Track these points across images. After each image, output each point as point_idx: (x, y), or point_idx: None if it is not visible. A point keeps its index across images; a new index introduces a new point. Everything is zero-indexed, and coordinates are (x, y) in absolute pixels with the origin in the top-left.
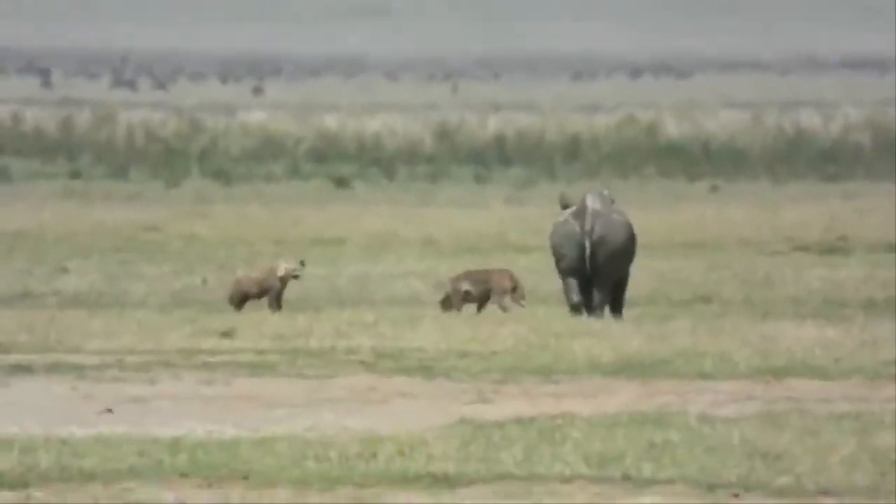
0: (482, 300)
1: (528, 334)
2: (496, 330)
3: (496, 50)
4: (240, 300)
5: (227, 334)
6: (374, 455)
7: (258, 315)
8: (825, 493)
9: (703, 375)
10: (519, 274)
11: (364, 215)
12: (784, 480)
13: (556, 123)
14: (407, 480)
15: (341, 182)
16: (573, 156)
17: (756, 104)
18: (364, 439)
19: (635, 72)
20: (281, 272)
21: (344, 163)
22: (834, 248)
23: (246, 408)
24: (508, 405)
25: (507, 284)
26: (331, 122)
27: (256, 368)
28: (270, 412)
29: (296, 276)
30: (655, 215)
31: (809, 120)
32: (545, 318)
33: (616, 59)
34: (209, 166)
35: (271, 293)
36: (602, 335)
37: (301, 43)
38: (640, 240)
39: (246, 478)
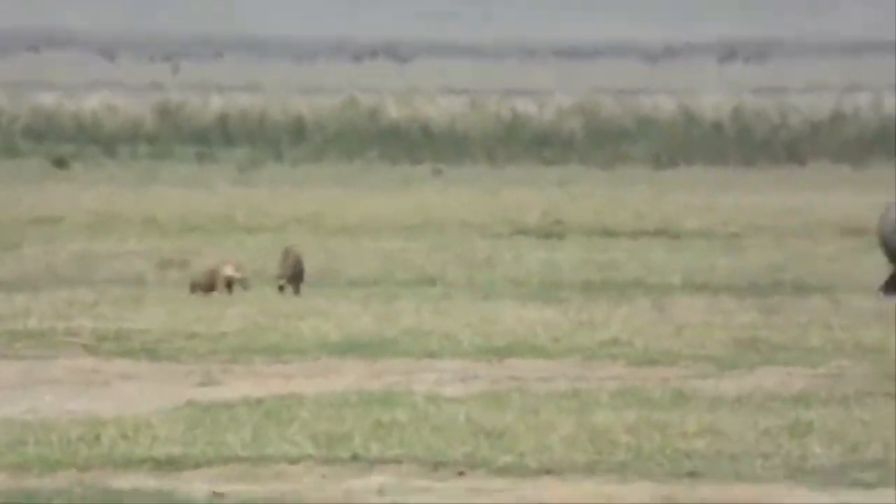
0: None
1: (257, 315)
2: (223, 311)
3: (217, 30)
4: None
5: None
6: (97, 438)
7: None
8: (546, 471)
9: (429, 355)
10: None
11: (83, 194)
12: (507, 458)
13: (279, 105)
14: (131, 464)
15: (59, 161)
16: (298, 137)
17: (474, 90)
18: (86, 422)
19: (357, 55)
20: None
21: (62, 142)
22: (551, 232)
23: None
24: (236, 386)
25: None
26: (47, 99)
27: None
28: None
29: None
30: (380, 198)
31: (525, 106)
32: (274, 298)
33: (337, 41)
34: None
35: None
36: (330, 315)
37: (11, 18)
38: (363, 223)
39: None
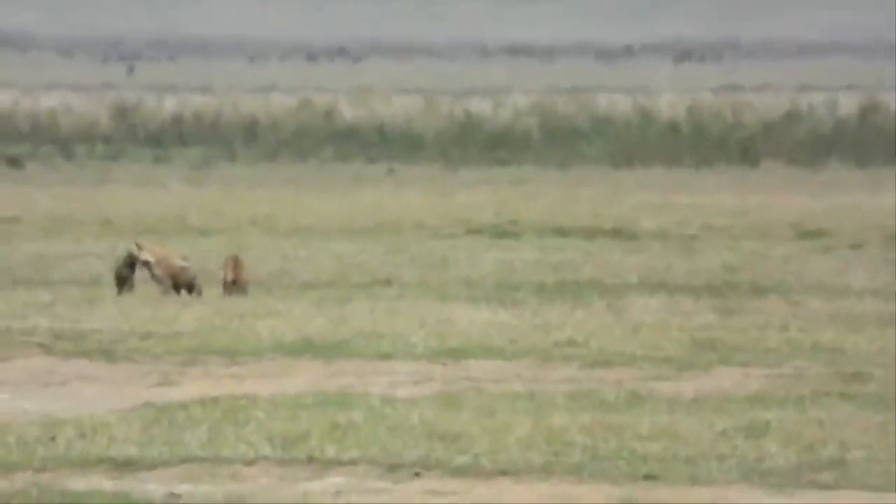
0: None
1: (212, 315)
2: (179, 311)
3: (171, 31)
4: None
5: None
6: (54, 439)
7: None
8: (502, 472)
9: (383, 356)
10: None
11: (39, 195)
12: (462, 460)
13: (232, 105)
14: (88, 464)
15: (14, 162)
16: (252, 137)
17: (428, 90)
18: (43, 423)
19: (311, 55)
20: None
21: (17, 142)
22: (505, 232)
23: None
24: (192, 387)
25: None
26: (3, 99)
27: None
28: None
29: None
30: (333, 198)
31: (479, 106)
32: (229, 300)
33: (292, 41)
34: None
35: None
36: (284, 316)
37: None
38: (317, 224)
39: None
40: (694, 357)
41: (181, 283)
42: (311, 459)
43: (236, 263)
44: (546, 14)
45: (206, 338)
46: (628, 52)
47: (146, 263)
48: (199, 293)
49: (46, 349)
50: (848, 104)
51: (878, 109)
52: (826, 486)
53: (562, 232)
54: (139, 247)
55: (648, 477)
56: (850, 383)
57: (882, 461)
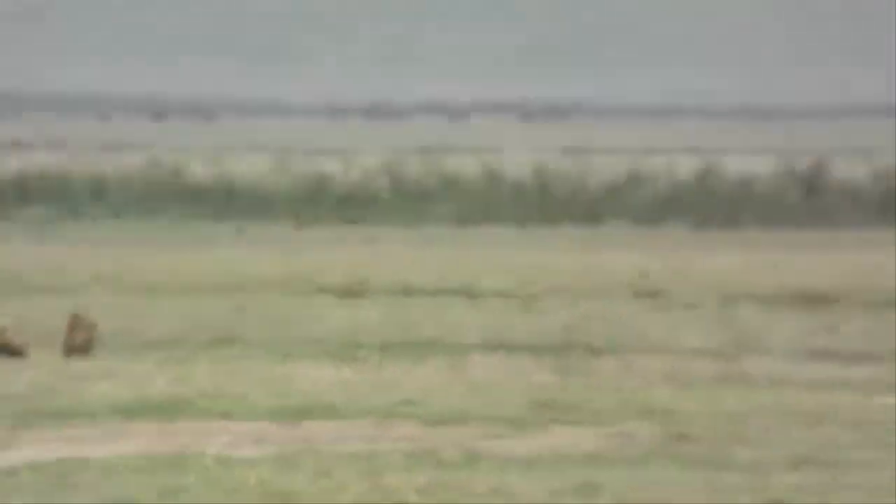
0: None
1: (47, 377)
2: (10, 374)
3: (20, 87)
4: None
5: None
6: None
7: None
8: None
9: (223, 416)
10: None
11: None
12: None
13: (81, 163)
14: None
15: None
16: (99, 195)
17: (279, 149)
18: None
19: (161, 112)
20: None
21: None
22: (352, 291)
23: None
24: (21, 451)
25: None
26: None
27: None
28: None
29: None
30: (181, 256)
31: (331, 166)
32: (63, 359)
33: (143, 98)
34: None
35: None
36: (123, 377)
37: None
38: (164, 282)
39: None
40: (530, 416)
41: None
42: None
43: (76, 321)
44: (400, 73)
45: (39, 400)
46: (476, 110)
47: None
48: (19, 353)
49: None
50: (687, 167)
51: (715, 174)
52: None
53: (408, 291)
54: None
55: None
56: (680, 444)
57: None
